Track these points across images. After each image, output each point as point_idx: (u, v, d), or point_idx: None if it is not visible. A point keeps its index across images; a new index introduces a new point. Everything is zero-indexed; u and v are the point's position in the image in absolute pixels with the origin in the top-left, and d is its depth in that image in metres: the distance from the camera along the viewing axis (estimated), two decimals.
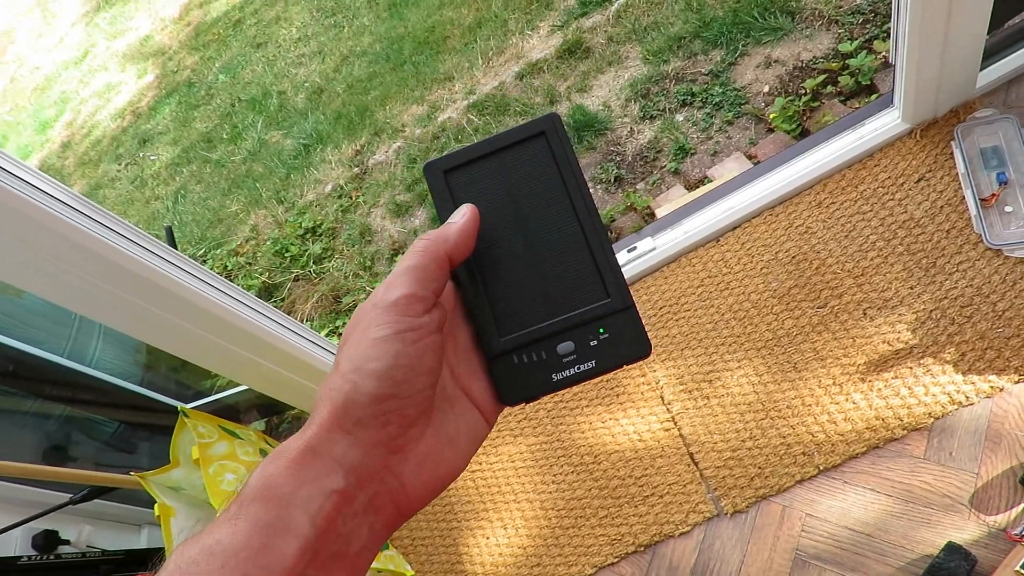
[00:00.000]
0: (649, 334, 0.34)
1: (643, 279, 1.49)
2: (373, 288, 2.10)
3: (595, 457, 1.35)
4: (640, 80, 2.10)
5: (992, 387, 1.12)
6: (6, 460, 1.14)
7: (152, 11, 4.54)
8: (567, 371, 0.34)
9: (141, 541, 1.58)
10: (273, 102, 3.16)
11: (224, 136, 3.21)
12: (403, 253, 1.95)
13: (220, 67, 3.65)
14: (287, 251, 2.39)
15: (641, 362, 0.36)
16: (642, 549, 1.25)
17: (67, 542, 1.36)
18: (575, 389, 1.45)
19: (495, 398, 0.35)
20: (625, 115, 2.06)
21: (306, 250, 2.37)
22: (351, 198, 2.46)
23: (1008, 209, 1.22)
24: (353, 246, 2.30)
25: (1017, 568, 0.94)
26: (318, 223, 2.44)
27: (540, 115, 0.36)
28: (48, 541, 1.32)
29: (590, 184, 1.98)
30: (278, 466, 0.28)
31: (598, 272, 0.35)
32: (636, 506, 1.28)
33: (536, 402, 0.35)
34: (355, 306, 2.12)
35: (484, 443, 0.31)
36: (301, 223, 2.45)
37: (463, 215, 0.34)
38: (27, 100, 4.66)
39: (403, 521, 0.32)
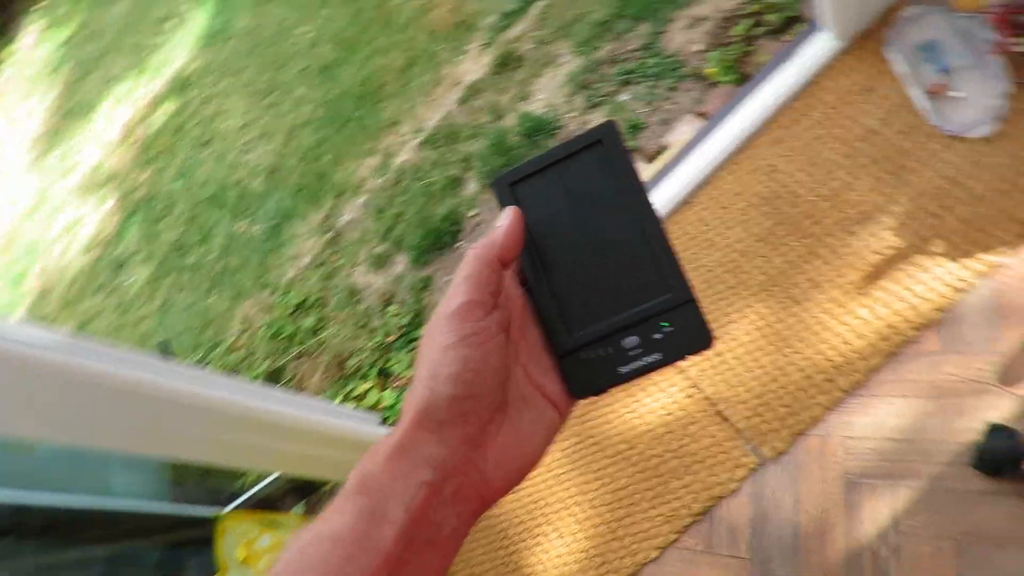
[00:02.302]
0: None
1: None
2: (373, 353, 2.11)
3: (629, 443, 1.35)
4: (577, 72, 2.13)
5: (987, 266, 1.12)
6: None
7: (96, 139, 4.60)
8: (633, 364, 0.36)
9: None
10: (232, 194, 3.18)
11: (194, 240, 3.23)
12: (394, 303, 1.95)
13: (174, 175, 3.68)
14: (282, 332, 2.40)
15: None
16: (699, 518, 1.24)
17: None
18: None
19: (566, 392, 0.37)
20: (572, 109, 2.09)
21: (300, 326, 2.37)
22: (330, 264, 2.47)
23: (957, 95, 1.23)
24: (344, 309, 2.31)
25: None
26: (305, 297, 2.45)
27: (597, 124, 0.38)
28: None
29: None
30: (375, 463, 0.32)
31: (658, 267, 0.36)
32: (681, 478, 1.27)
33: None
34: (359, 370, 2.12)
35: None
36: (288, 301, 2.46)
37: (507, 217, 0.36)
38: None
39: (486, 508, 0.34)
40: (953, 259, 1.16)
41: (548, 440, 0.36)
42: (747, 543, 1.20)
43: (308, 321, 2.35)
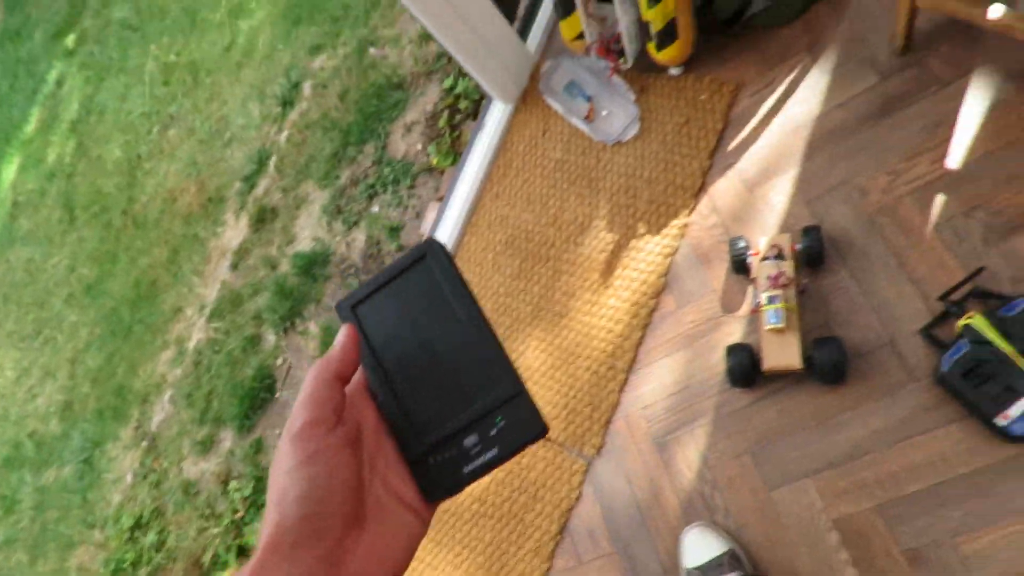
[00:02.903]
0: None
1: None
2: (226, 535, 2.00)
3: (480, 500, 1.40)
4: (328, 203, 2.27)
5: (679, 228, 1.36)
6: None
7: None
8: (476, 462, 0.37)
9: None
10: (28, 448, 2.90)
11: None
12: (232, 479, 1.88)
13: None
14: (124, 563, 2.19)
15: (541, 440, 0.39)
16: (559, 537, 1.31)
17: None
18: None
19: (422, 498, 0.37)
20: (335, 235, 2.21)
21: (141, 547, 2.18)
22: (156, 470, 2.32)
23: (604, 113, 1.51)
24: (184, 509, 2.17)
25: (766, 329, 1.14)
26: (139, 516, 2.27)
27: (419, 245, 0.40)
28: None
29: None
30: None
31: (488, 365, 0.37)
32: (533, 508, 1.34)
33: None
34: (217, 560, 1.99)
35: None
36: (122, 528, 2.26)
37: (341, 335, 0.38)
38: None
39: None
40: (655, 233, 1.39)
41: (412, 547, 0.36)
42: (607, 538, 1.28)
43: (149, 538, 2.18)
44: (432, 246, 0.39)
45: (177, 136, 3.03)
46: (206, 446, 2.22)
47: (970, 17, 1.06)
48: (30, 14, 4.64)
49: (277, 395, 2.15)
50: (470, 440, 0.37)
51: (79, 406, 2.80)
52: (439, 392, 0.38)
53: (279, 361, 2.18)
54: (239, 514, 2.00)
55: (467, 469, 0.37)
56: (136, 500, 2.33)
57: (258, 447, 2.10)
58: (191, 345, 2.46)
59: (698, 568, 1.12)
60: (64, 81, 3.97)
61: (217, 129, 2.86)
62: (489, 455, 0.36)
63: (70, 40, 4.12)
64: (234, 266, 2.46)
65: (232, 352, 2.29)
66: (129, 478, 2.40)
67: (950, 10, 1.08)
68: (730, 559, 1.10)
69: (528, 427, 0.36)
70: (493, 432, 0.36)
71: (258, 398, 2.16)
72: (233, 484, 2.08)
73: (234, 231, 2.55)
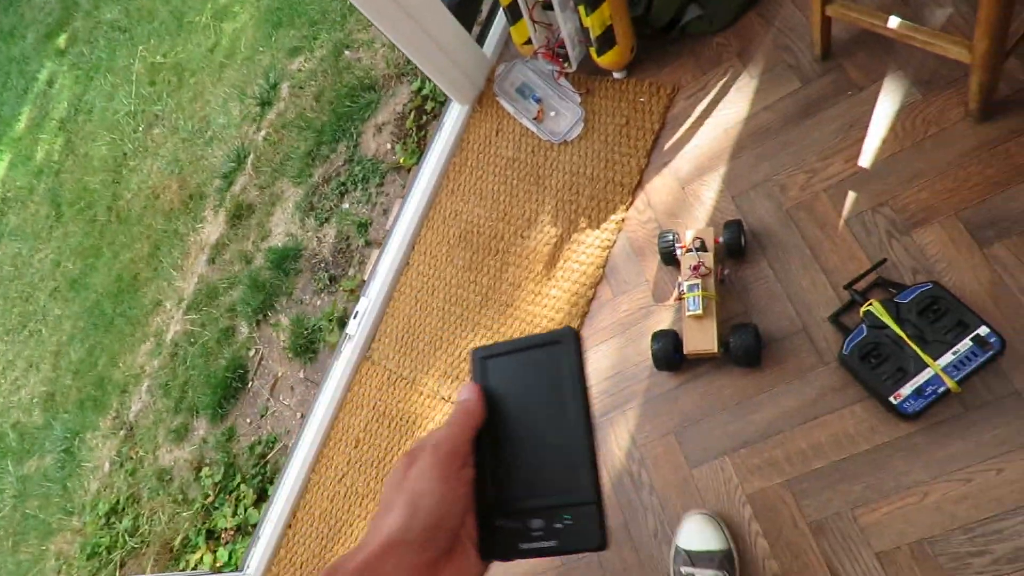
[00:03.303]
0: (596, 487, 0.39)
1: (382, 325, 1.68)
2: (197, 520, 2.07)
3: None
4: (301, 200, 2.35)
5: (616, 223, 1.44)
6: None
7: None
8: (533, 544, 0.38)
9: None
10: (12, 438, 2.97)
11: None
12: (204, 466, 1.95)
13: None
14: (99, 547, 2.26)
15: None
16: None
17: None
18: (380, 445, 1.58)
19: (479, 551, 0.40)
20: (307, 231, 2.29)
21: (116, 532, 2.25)
22: (132, 459, 2.39)
23: (552, 114, 1.59)
24: (158, 495, 2.24)
25: (687, 315, 1.22)
26: (115, 502, 2.34)
27: (559, 328, 0.42)
28: None
29: (312, 296, 2.16)
30: None
31: (576, 467, 0.39)
32: None
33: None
34: (188, 543, 2.06)
35: None
36: (99, 514, 2.33)
37: (475, 393, 0.42)
38: None
39: None
40: (595, 227, 1.46)
41: None
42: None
43: (124, 523, 2.25)
44: (570, 335, 0.41)
45: (161, 135, 3.11)
46: (180, 434, 2.29)
47: (873, 27, 1.14)
48: (23, 14, 4.72)
49: (249, 385, 2.22)
50: (536, 523, 0.39)
51: (61, 397, 2.87)
52: (526, 468, 0.40)
53: (251, 352, 2.26)
54: (210, 499, 2.07)
55: (524, 546, 0.39)
56: (113, 487, 2.40)
57: (230, 434, 2.17)
58: (169, 337, 2.53)
59: (688, 551, 1.16)
60: (54, 80, 4.06)
61: (199, 128, 2.94)
62: (546, 544, 0.38)
63: (61, 40, 4.20)
64: (211, 260, 2.53)
65: (207, 344, 2.36)
66: (107, 466, 2.47)
67: (856, 21, 1.16)
68: (723, 558, 1.13)
69: (587, 537, 0.38)
70: (558, 525, 0.38)
71: (231, 388, 2.23)
72: (205, 471, 2.15)
73: (212, 227, 2.63)
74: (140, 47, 3.51)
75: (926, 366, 1.05)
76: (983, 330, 1.03)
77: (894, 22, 1.10)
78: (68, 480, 2.59)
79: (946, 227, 1.14)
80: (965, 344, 1.04)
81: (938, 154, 1.18)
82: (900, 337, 1.07)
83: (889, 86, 1.26)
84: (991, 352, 1.02)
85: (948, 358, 1.04)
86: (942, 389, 1.04)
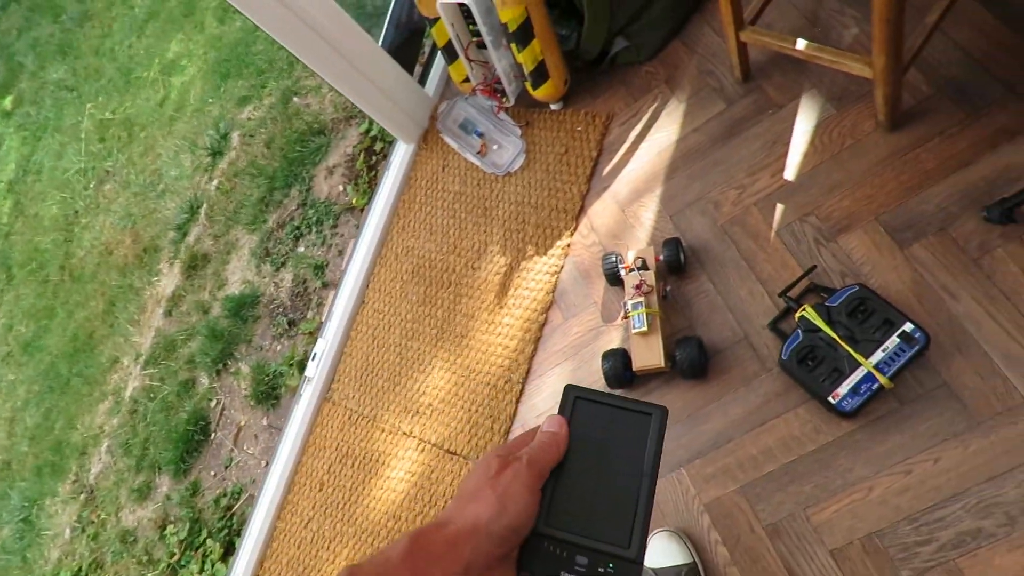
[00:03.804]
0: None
1: (340, 365, 1.69)
2: (160, 572, 2.01)
3: (394, 516, 1.47)
4: (257, 246, 2.35)
5: (562, 248, 1.48)
6: None
7: None
8: None
9: None
10: None
11: None
12: (168, 524, 1.90)
13: None
14: None
15: None
16: None
17: None
18: (345, 486, 1.57)
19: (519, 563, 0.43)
20: (264, 277, 2.29)
21: None
22: (94, 522, 2.33)
23: (495, 147, 1.64)
24: (122, 558, 2.18)
25: (633, 333, 1.26)
26: (77, 570, 2.27)
27: (655, 404, 0.46)
28: None
29: (271, 342, 2.15)
30: (426, 537, 0.40)
31: (631, 525, 0.42)
32: None
33: None
34: None
35: None
36: None
37: (563, 427, 0.45)
38: None
39: None
40: (542, 254, 1.50)
41: None
42: None
43: None
44: (662, 413, 0.45)
45: (113, 190, 3.09)
46: (143, 493, 2.24)
47: (784, 49, 1.21)
48: None
49: (212, 436, 2.19)
50: (582, 560, 0.42)
51: (17, 465, 2.78)
52: (586, 509, 0.43)
53: (213, 403, 2.23)
54: (175, 557, 2.02)
55: (561, 574, 0.42)
56: (75, 554, 2.33)
57: (194, 489, 2.13)
58: (127, 394, 2.49)
59: (655, 570, 1.17)
60: (1, 143, 4.01)
61: (151, 181, 2.93)
62: None
63: (7, 102, 4.16)
64: (168, 313, 2.51)
65: (167, 398, 2.33)
66: (68, 533, 2.40)
67: (768, 44, 1.24)
68: (688, 571, 1.16)
69: None
70: (600, 570, 0.42)
71: (193, 441, 2.19)
72: (170, 528, 2.10)
73: (168, 279, 2.61)
74: (88, 104, 3.51)
75: (859, 365, 1.10)
76: (908, 327, 1.09)
77: (801, 44, 1.18)
78: (27, 551, 2.51)
79: (868, 232, 1.21)
80: (893, 341, 1.09)
81: (855, 164, 1.25)
82: (833, 339, 1.12)
83: (806, 103, 1.34)
84: (917, 347, 1.07)
85: (879, 355, 1.09)
86: (876, 386, 1.08)
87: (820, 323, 1.14)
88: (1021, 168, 1.12)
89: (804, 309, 1.16)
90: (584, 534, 0.43)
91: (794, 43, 1.19)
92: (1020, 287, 1.08)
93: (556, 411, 0.47)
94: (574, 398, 0.47)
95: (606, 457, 0.45)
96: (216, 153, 2.70)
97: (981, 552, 1.00)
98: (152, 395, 2.38)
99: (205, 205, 2.60)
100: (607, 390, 1.31)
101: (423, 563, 0.38)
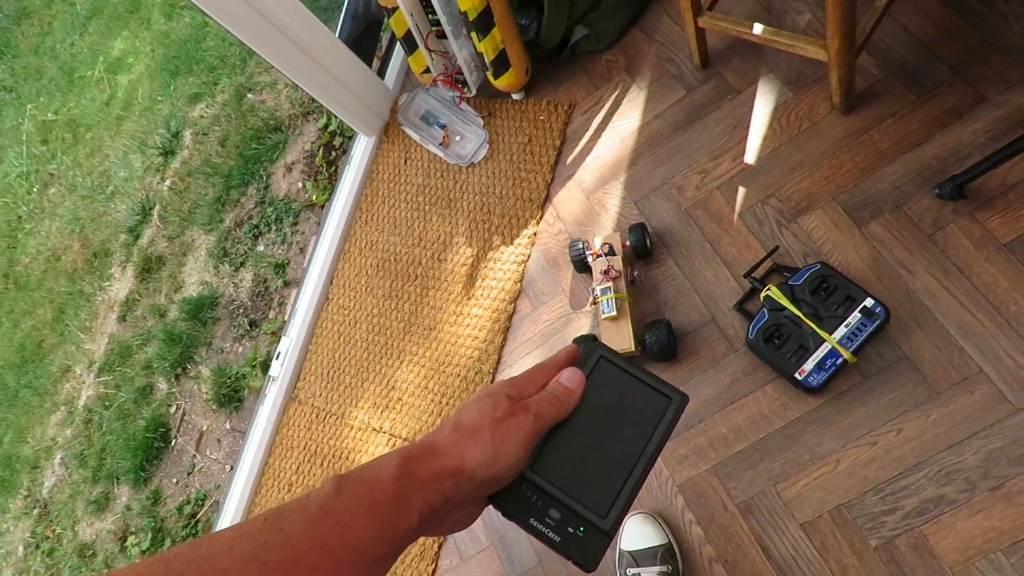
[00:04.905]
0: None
1: (306, 363, 1.65)
2: None
3: None
4: (214, 246, 2.29)
5: (529, 238, 1.48)
6: None
7: None
8: (539, 525, 0.42)
9: None
10: None
11: None
12: (129, 534, 1.83)
13: None
14: None
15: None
16: (442, 539, 1.37)
17: None
18: (314, 485, 1.54)
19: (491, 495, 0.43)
20: (222, 277, 2.23)
21: None
22: (49, 537, 2.24)
23: (457, 138, 1.63)
24: (81, 573, 2.10)
25: (603, 318, 1.26)
26: None
27: (679, 389, 0.45)
28: None
29: (232, 344, 2.09)
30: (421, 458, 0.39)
31: (614, 500, 0.42)
32: None
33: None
34: None
35: None
36: None
37: (580, 386, 0.45)
38: None
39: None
40: (509, 244, 1.50)
41: (472, 519, 0.45)
42: (484, 532, 1.35)
43: None
44: (682, 400, 0.45)
45: (58, 194, 2.98)
46: (101, 505, 2.16)
47: (741, 34, 1.23)
48: None
49: (173, 443, 2.12)
50: (554, 514, 0.42)
51: None
52: (574, 467, 0.43)
53: (173, 408, 2.16)
54: None
55: (532, 521, 0.42)
56: (29, 572, 2.23)
57: (156, 497, 2.06)
58: (81, 403, 2.40)
59: (631, 552, 1.18)
60: None
61: (99, 183, 2.83)
62: (549, 533, 0.42)
63: None
64: (122, 318, 2.43)
65: (123, 405, 2.25)
66: (21, 550, 2.30)
67: (725, 30, 1.25)
68: (664, 552, 1.17)
69: (586, 556, 0.42)
70: (570, 529, 0.42)
71: (153, 448, 2.12)
72: (131, 540, 2.03)
73: (121, 283, 2.52)
74: (29, 105, 3.37)
75: (823, 341, 1.12)
76: (869, 302, 1.12)
77: (758, 28, 1.20)
78: None
79: (827, 211, 1.24)
80: (855, 316, 1.12)
81: (813, 146, 1.28)
82: (797, 316, 1.15)
83: (763, 87, 1.36)
84: (878, 321, 1.10)
85: (842, 331, 1.12)
86: (840, 360, 1.11)
87: (784, 302, 1.16)
88: (970, 146, 1.16)
89: (769, 289, 1.18)
90: (565, 490, 0.42)
91: (751, 28, 1.21)
92: (972, 261, 1.12)
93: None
94: (599, 356, 0.46)
95: (612, 424, 0.44)
96: (168, 152, 2.62)
97: (944, 518, 1.03)
98: (107, 403, 2.30)
99: (158, 206, 2.52)
100: None
101: (408, 487, 0.37)
